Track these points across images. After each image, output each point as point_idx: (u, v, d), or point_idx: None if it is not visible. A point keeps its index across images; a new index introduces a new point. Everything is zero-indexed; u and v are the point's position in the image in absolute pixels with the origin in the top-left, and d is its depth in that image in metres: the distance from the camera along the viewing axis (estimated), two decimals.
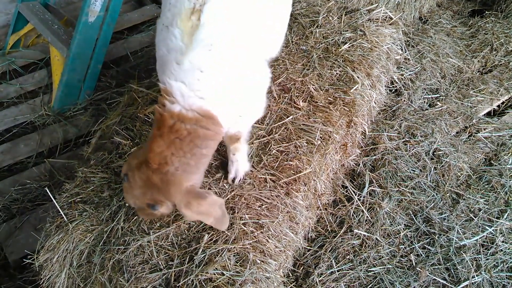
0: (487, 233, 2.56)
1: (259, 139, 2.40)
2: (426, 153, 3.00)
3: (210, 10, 1.63)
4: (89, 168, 2.31)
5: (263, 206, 2.13)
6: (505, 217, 2.66)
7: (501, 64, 3.91)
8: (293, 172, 2.27)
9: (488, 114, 3.52)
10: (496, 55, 3.97)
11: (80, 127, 3.15)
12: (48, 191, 2.18)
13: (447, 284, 2.36)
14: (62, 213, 2.12)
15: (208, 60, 1.63)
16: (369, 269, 2.42)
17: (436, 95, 3.54)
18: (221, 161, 2.29)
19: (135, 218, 2.08)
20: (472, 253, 2.48)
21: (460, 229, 2.59)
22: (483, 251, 2.48)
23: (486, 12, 4.50)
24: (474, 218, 2.66)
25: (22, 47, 3.80)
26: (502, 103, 3.61)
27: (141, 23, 4.02)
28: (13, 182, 2.88)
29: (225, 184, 2.18)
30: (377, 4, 3.14)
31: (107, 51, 3.34)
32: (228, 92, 1.73)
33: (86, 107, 3.27)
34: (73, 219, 2.13)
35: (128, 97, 2.71)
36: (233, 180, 2.19)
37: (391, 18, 3.03)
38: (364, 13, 3.07)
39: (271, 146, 2.36)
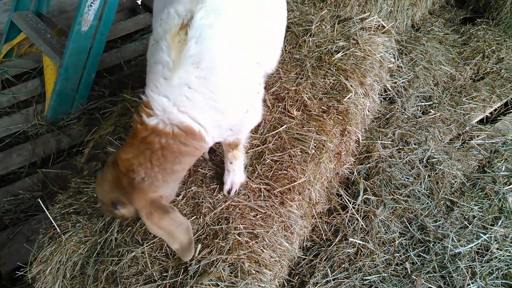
0: (481, 241, 2.56)
1: (253, 148, 2.40)
2: (420, 160, 3.01)
3: (197, 24, 1.63)
4: (82, 178, 2.30)
5: (258, 216, 2.12)
6: (499, 224, 2.67)
7: (493, 71, 3.95)
8: (288, 182, 2.26)
9: (481, 121, 3.55)
10: (488, 62, 4.01)
11: (73, 137, 3.13)
12: (41, 202, 2.16)
13: None
14: (55, 224, 2.10)
15: (196, 77, 1.62)
16: (364, 278, 2.41)
17: (429, 103, 3.56)
18: (216, 171, 2.28)
19: (129, 229, 2.07)
20: (467, 260, 2.48)
21: (455, 237, 2.59)
22: (478, 259, 2.48)
23: (478, 19, 4.55)
24: (468, 225, 2.67)
25: (14, 57, 3.78)
26: (495, 110, 3.64)
27: (134, 32, 4.02)
28: (5, 192, 2.85)
29: (219, 195, 2.17)
30: (369, 13, 3.17)
31: (101, 60, 3.33)
32: (218, 107, 1.70)
33: (79, 117, 3.25)
34: (66, 231, 2.11)
35: (122, 106, 2.70)
36: (229, 192, 2.18)
37: (384, 27, 3.06)
38: (357, 22, 3.09)
39: (265, 155, 2.35)
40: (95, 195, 2.22)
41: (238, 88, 1.77)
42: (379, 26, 3.07)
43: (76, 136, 3.13)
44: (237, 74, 1.75)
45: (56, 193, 2.58)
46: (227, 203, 2.15)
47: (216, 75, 1.66)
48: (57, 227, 2.11)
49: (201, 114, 1.68)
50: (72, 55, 3.13)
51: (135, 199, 1.67)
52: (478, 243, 2.56)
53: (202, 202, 2.15)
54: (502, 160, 3.12)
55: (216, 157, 2.37)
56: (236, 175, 2.18)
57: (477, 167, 3.11)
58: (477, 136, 3.31)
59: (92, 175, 2.31)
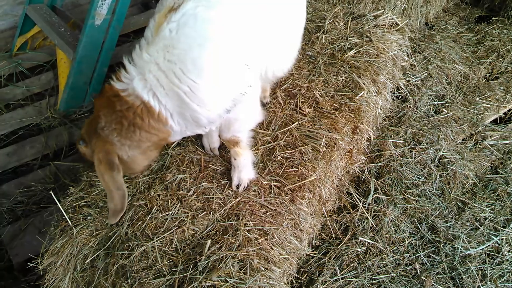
0: (492, 243, 2.54)
1: (264, 145, 2.39)
2: (431, 160, 2.99)
3: (183, 11, 1.67)
4: (94, 172, 2.31)
5: (268, 213, 2.12)
6: (511, 226, 2.64)
7: (507, 71, 3.89)
8: (298, 179, 2.26)
9: (495, 122, 3.50)
10: (502, 62, 3.96)
11: None
12: (53, 195, 2.18)
13: None
14: (66, 217, 2.12)
15: (166, 59, 1.67)
16: (373, 277, 2.40)
17: (442, 102, 3.53)
18: (226, 167, 2.29)
19: (139, 223, 2.08)
20: (478, 262, 2.46)
21: (466, 238, 2.57)
22: (488, 261, 2.46)
23: (493, 18, 4.48)
24: (479, 227, 2.64)
25: (29, 49, 3.81)
26: (509, 110, 3.59)
27: (147, 26, 4.02)
28: (18, 184, 2.89)
29: (229, 191, 2.17)
30: (383, 10, 3.13)
31: (113, 54, 3.34)
32: (182, 96, 1.72)
33: (91, 110, 3.27)
34: (78, 223, 2.13)
35: None
36: (238, 187, 2.18)
37: (398, 24, 3.02)
38: (370, 19, 3.06)
39: (276, 152, 2.35)
40: None
41: (210, 84, 1.74)
42: (393, 23, 3.04)
43: None
44: (212, 70, 1.72)
45: (68, 185, 2.60)
46: (237, 199, 2.15)
47: (185, 65, 1.67)
48: (68, 220, 2.13)
49: (165, 97, 1.73)
50: (85, 48, 3.14)
51: (93, 141, 1.80)
52: (489, 245, 2.53)
53: (213, 197, 2.16)
54: None
55: (227, 153, 2.37)
56: (241, 171, 2.18)
57: (490, 168, 3.07)
58: (490, 137, 3.27)
59: None
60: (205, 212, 2.10)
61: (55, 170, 2.93)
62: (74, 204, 2.19)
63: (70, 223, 2.12)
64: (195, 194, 2.17)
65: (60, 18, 3.58)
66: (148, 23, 1.81)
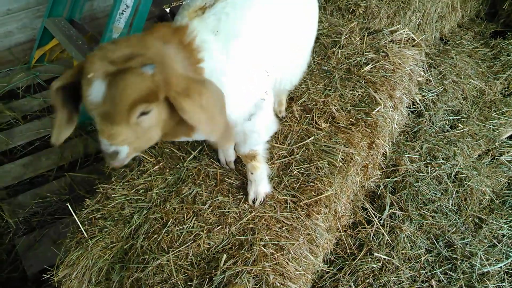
0: (511, 261, 2.49)
1: (280, 159, 2.39)
2: (448, 176, 2.96)
3: (217, 9, 1.69)
4: (110, 184, 2.32)
5: (283, 228, 2.10)
6: None
7: None
8: (314, 194, 2.24)
9: (511, 137, 3.47)
10: None
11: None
12: (69, 206, 2.19)
13: None
14: (82, 229, 2.13)
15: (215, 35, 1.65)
16: None
17: (457, 117, 3.50)
18: (242, 181, 2.28)
19: (155, 236, 2.08)
20: (496, 280, 2.41)
21: (483, 255, 2.53)
22: (507, 279, 2.42)
23: (508, 33, 4.46)
24: (497, 244, 2.60)
25: (46, 62, 3.87)
26: None
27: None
28: (34, 195, 2.91)
29: (245, 205, 2.17)
30: (399, 25, 3.14)
31: None
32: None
33: None
34: (93, 236, 2.13)
35: None
36: (254, 202, 2.17)
37: (414, 40, 3.02)
38: (386, 34, 3.06)
39: (292, 167, 2.34)
40: (122, 201, 2.24)
41: (237, 83, 1.74)
42: (409, 39, 3.03)
43: None
44: (239, 67, 1.73)
45: (83, 197, 2.62)
46: (252, 214, 2.14)
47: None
48: (84, 232, 2.13)
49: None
50: None
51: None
52: (508, 262, 2.49)
53: (228, 212, 2.15)
54: None
55: (243, 167, 2.37)
56: (259, 185, 2.17)
57: (507, 184, 3.04)
58: (507, 153, 3.24)
59: (120, 181, 2.33)
60: (220, 226, 2.09)
61: (70, 181, 2.95)
62: (90, 216, 2.19)
63: (85, 235, 2.12)
64: (211, 208, 2.16)
65: (78, 31, 3.63)
66: (175, 21, 1.75)
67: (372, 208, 2.75)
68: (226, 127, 1.53)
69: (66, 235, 2.21)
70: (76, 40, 3.48)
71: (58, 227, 2.69)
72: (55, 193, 2.89)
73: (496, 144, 3.30)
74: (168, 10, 4.49)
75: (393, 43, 3.00)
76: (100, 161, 3.08)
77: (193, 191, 2.23)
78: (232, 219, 2.12)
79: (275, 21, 1.90)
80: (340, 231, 2.53)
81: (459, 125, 3.41)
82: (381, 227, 2.63)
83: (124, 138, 1.37)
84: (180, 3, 4.49)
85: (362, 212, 2.73)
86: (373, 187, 2.83)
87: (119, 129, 1.35)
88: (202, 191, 2.23)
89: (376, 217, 2.68)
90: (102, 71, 1.32)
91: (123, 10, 3.14)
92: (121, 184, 2.31)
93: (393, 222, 2.66)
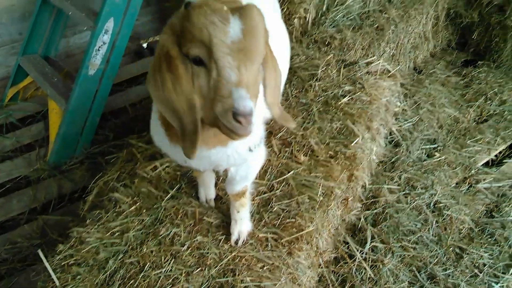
0: None
1: (260, 195, 2.35)
2: (427, 205, 2.96)
3: None
4: (84, 227, 2.24)
5: (265, 268, 2.05)
6: (511, 272, 2.59)
7: (496, 114, 3.95)
8: (296, 230, 2.21)
9: (487, 164, 3.51)
10: (491, 105, 4.02)
11: (76, 182, 3.09)
12: (40, 253, 2.10)
13: None
14: (54, 277, 2.03)
15: None
16: None
17: (434, 146, 3.54)
18: (222, 220, 2.23)
19: (131, 282, 2.00)
20: None
21: (466, 286, 2.52)
22: None
23: (479, 62, 4.59)
24: (479, 274, 2.60)
25: (20, 100, 3.79)
26: (500, 152, 3.62)
27: (140, 75, 4.05)
28: (3, 240, 2.77)
29: (225, 245, 2.11)
30: (374, 57, 3.19)
31: (106, 103, 3.33)
32: None
33: (82, 161, 3.21)
34: (66, 284, 2.03)
35: (127, 152, 2.67)
36: (236, 242, 2.12)
37: (389, 71, 3.07)
38: (362, 66, 3.10)
39: (272, 203, 2.31)
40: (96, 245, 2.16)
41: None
42: (384, 70, 3.08)
43: (79, 180, 3.09)
44: None
45: (56, 241, 2.51)
46: (233, 254, 2.08)
47: None
48: (56, 280, 2.04)
49: None
50: (78, 98, 3.13)
51: None
52: None
53: (208, 252, 2.09)
54: (510, 204, 3.07)
55: (223, 205, 2.33)
56: (243, 224, 2.13)
57: (485, 211, 3.06)
58: (484, 180, 3.27)
59: (95, 223, 2.26)
60: (200, 269, 2.03)
61: (42, 225, 2.84)
62: (62, 263, 2.10)
63: (57, 284, 2.03)
64: (190, 249, 2.10)
65: (54, 68, 3.59)
66: None
67: (354, 242, 2.72)
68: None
69: (37, 283, 2.10)
70: (51, 77, 3.43)
71: (29, 274, 2.55)
72: (26, 238, 2.76)
73: (472, 171, 3.33)
74: (145, 45, 4.50)
75: (369, 74, 3.04)
76: (75, 202, 2.99)
77: (171, 232, 2.17)
78: (211, 261, 2.06)
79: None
80: (322, 267, 2.49)
81: (436, 153, 3.44)
82: (363, 261, 2.60)
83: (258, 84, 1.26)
84: (157, 39, 4.50)
85: (343, 247, 2.70)
86: (354, 220, 2.81)
87: (256, 70, 1.23)
88: (181, 232, 2.17)
89: (358, 251, 2.65)
90: (225, 7, 1.20)
91: (99, 47, 3.12)
92: (96, 227, 2.23)
93: (375, 256, 2.64)
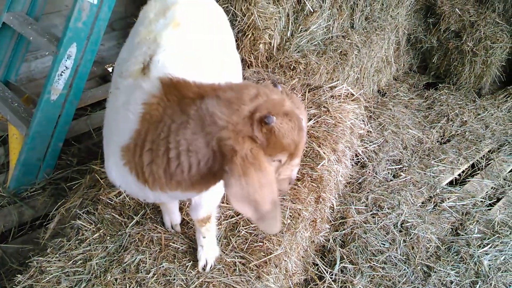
0: None
1: (227, 219, 2.33)
2: (394, 225, 3.00)
3: (156, 63, 1.67)
4: (45, 256, 2.15)
5: None
6: None
7: (458, 134, 4.08)
8: (264, 254, 2.18)
9: (451, 183, 3.61)
10: (452, 125, 4.16)
11: (37, 209, 2.97)
12: None
13: None
14: None
15: None
16: None
17: (399, 166, 3.62)
18: (188, 245, 2.19)
19: None
20: None
21: None
22: None
23: (440, 84, 4.77)
24: None
25: None
26: (463, 172, 3.72)
27: (104, 99, 3.99)
28: None
29: (192, 271, 2.06)
30: (338, 81, 3.26)
31: (69, 128, 3.25)
32: None
33: (44, 187, 3.10)
34: None
35: (90, 178, 2.61)
36: (204, 268, 2.07)
37: (353, 94, 3.14)
38: (326, 90, 3.16)
39: (239, 227, 2.28)
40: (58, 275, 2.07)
41: None
42: (348, 93, 3.15)
43: (40, 207, 2.97)
44: None
45: (16, 270, 2.40)
46: (200, 280, 2.03)
47: None
48: None
49: None
50: (39, 124, 3.04)
51: None
52: None
53: (174, 279, 2.03)
54: (473, 222, 3.15)
55: (189, 230, 2.28)
56: (209, 249, 2.09)
57: (450, 230, 3.12)
58: (448, 199, 3.35)
59: (56, 252, 2.17)
60: None
61: (1, 254, 2.71)
62: None
63: None
64: (155, 276, 2.04)
65: (14, 92, 3.48)
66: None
67: (323, 263, 2.71)
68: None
69: None
70: (11, 102, 3.33)
71: None
72: None
73: (437, 191, 3.41)
74: (110, 69, 4.44)
75: (333, 98, 3.09)
76: (36, 230, 2.87)
77: (136, 258, 2.11)
78: (178, 287, 2.01)
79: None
80: None
81: (401, 174, 3.51)
82: (333, 283, 2.59)
83: None
84: None
85: (313, 268, 2.69)
86: (323, 241, 2.81)
87: None
88: (146, 258, 2.11)
89: (327, 272, 2.64)
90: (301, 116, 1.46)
91: (62, 72, 3.05)
92: (57, 255, 2.14)
93: (344, 277, 2.64)
